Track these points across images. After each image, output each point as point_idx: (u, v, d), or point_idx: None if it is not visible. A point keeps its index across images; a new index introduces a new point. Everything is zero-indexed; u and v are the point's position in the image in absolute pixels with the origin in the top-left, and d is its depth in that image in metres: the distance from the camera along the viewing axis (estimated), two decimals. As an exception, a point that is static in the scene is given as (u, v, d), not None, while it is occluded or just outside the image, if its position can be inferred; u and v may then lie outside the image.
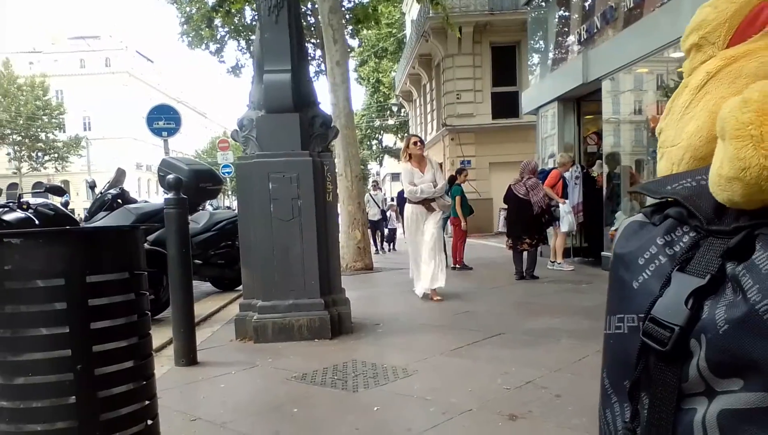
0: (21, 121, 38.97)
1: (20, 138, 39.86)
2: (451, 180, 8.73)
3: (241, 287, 5.97)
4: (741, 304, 0.46)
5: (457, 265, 8.43)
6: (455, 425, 2.42)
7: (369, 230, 12.60)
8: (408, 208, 5.99)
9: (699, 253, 0.52)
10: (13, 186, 36.98)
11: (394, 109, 33.71)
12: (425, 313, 5.09)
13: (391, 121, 35.29)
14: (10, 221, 4.36)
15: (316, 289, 4.19)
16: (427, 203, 5.86)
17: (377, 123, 35.37)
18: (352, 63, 29.87)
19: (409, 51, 22.65)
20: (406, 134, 32.84)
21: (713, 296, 0.49)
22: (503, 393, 2.81)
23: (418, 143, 5.99)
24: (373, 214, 12.68)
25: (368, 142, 35.93)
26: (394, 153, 37.00)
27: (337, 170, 9.00)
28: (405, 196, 6.09)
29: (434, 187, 5.83)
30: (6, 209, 4.45)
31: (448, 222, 8.58)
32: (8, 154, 40.85)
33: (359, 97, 52.50)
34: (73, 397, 1.70)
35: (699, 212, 0.53)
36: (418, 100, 26.09)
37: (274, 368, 3.45)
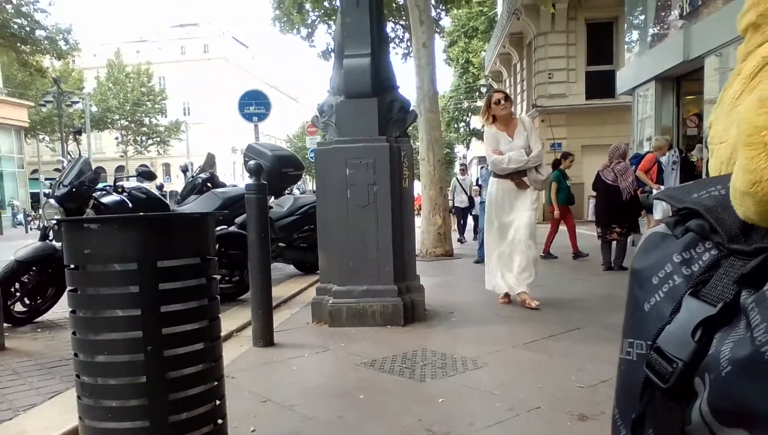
0: (128, 107, 41.65)
1: (127, 123, 42.63)
2: (555, 164, 8.45)
3: (320, 271, 6.12)
4: (747, 342, 0.38)
5: (543, 254, 8.18)
6: (520, 423, 2.35)
7: (455, 216, 12.36)
8: (492, 183, 4.80)
9: (717, 276, 0.44)
10: (120, 169, 39.76)
11: (483, 90, 33.02)
12: (502, 304, 4.97)
13: (479, 103, 34.59)
14: (107, 204, 4.68)
15: (390, 276, 4.21)
16: (517, 178, 4.67)
17: (465, 105, 34.80)
18: (440, 43, 29.51)
19: (499, 30, 22.05)
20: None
21: (726, 328, 0.42)
22: (575, 391, 2.70)
23: (502, 101, 4.71)
24: (461, 200, 12.04)
25: (455, 125, 35.45)
26: (482, 136, 36.26)
27: (419, 155, 9.00)
28: (489, 168, 4.96)
29: (527, 155, 4.64)
30: (104, 193, 4.78)
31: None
32: (116, 138, 43.81)
33: (447, 78, 51.86)
34: (144, 376, 1.79)
35: (721, 227, 0.45)
36: (507, 81, 25.39)
37: (346, 353, 3.51)
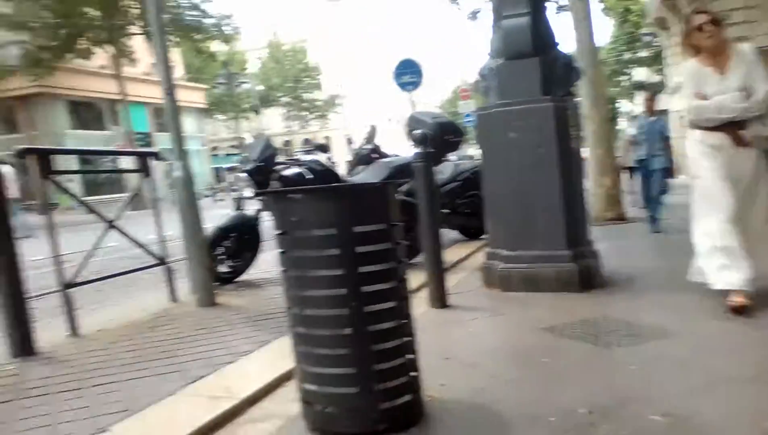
0: (288, 84, 44.27)
1: (289, 99, 45.38)
2: None
3: (486, 236, 6.17)
4: None
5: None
6: (719, 395, 2.25)
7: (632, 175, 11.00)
8: (692, 139, 3.55)
9: None
10: (287, 143, 42.65)
11: (646, 39, 30.20)
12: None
13: (642, 54, 31.78)
14: (289, 176, 5.13)
15: (561, 240, 4.12)
16: (732, 130, 3.38)
17: (626, 56, 32.19)
18: (596, -6, 27.43)
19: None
20: (660, 67, 29.05)
21: None
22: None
23: (709, 25, 3.38)
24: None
25: (617, 79, 33.01)
26: (647, 88, 33.38)
27: (583, 113, 8.55)
28: (687, 117, 3.56)
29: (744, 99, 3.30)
30: (285, 166, 5.26)
31: None
32: (281, 114, 46.87)
33: (605, 30, 48.20)
34: (349, 329, 2.00)
35: None
36: (673, 28, 22.95)
37: (522, 317, 3.55)
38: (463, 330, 3.38)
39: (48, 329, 3.68)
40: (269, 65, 45.60)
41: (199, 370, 2.84)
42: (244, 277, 5.20)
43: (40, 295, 4.50)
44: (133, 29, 23.88)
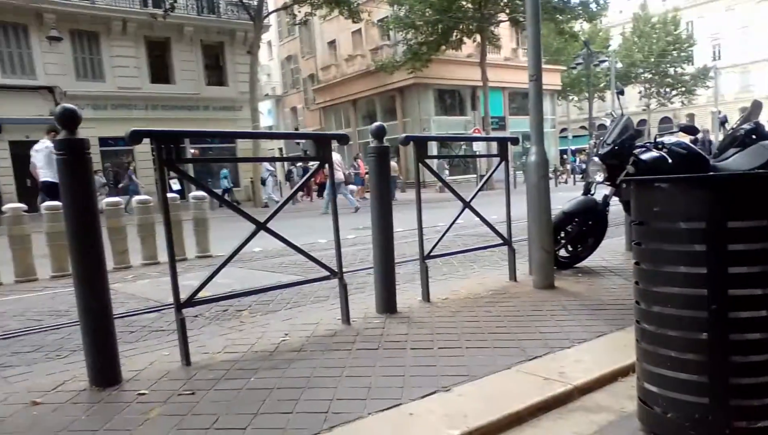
0: (652, 59, 40.86)
1: (650, 76, 41.94)
2: None
3: None
4: None
5: None
6: None
7: None
8: None
9: None
10: (642, 123, 39.62)
11: None
12: None
13: None
14: (646, 160, 4.76)
15: None
16: None
17: None
18: None
19: None
20: None
21: None
22: None
23: None
24: None
25: None
26: None
27: None
28: None
29: None
30: (644, 150, 4.88)
31: None
32: (639, 92, 43.66)
33: None
34: (705, 334, 1.82)
35: None
36: None
37: None
38: None
39: (404, 293, 4.25)
40: (632, 40, 42.81)
41: (534, 349, 2.92)
42: (583, 263, 5.10)
43: (401, 263, 5.17)
44: (501, 17, 25.29)
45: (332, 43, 36.13)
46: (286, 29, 39.52)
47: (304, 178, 5.00)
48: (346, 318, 3.56)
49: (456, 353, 2.92)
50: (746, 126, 5.69)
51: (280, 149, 39.65)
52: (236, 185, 23.02)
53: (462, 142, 27.96)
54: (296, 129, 38.93)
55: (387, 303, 3.79)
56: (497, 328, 3.32)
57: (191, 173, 7.27)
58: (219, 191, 17.34)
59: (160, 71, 23.20)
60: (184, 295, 2.91)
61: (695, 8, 52.11)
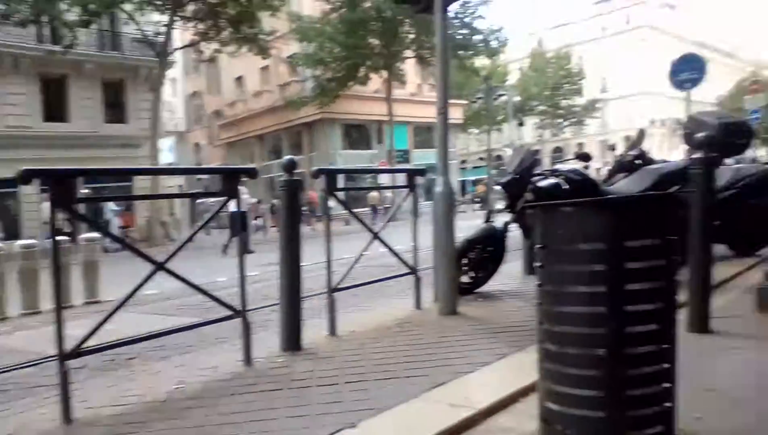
0: (547, 93, 43.52)
1: (545, 108, 44.63)
2: None
3: (761, 252, 5.24)
4: None
5: None
6: None
7: None
8: None
9: None
10: (536, 152, 41.93)
11: None
12: None
13: None
14: (544, 187, 4.96)
15: None
16: None
17: None
18: None
19: None
20: None
21: None
22: None
23: None
24: None
25: None
26: None
27: None
28: None
29: None
30: (541, 177, 5.10)
31: None
32: (535, 123, 46.27)
33: None
34: (604, 349, 1.86)
35: None
36: None
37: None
38: (727, 360, 2.94)
39: (311, 328, 4.13)
40: (529, 74, 45.47)
41: (441, 376, 2.91)
42: (484, 288, 5.21)
43: (306, 297, 5.07)
44: (407, 53, 26.06)
45: (240, 79, 35.75)
46: (192, 65, 38.78)
47: (210, 216, 4.70)
48: (248, 359, 3.38)
49: (363, 386, 2.86)
50: (632, 152, 6.11)
51: (180, 186, 38.37)
52: (128, 226, 21.63)
53: (369, 176, 28.35)
54: (198, 165, 37.90)
55: (292, 340, 3.66)
56: (404, 358, 3.29)
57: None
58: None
59: (56, 109, 21.87)
60: (68, 346, 2.66)
61: (586, 44, 56.37)
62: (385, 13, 22.51)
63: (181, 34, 25.56)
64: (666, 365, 1.92)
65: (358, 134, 31.65)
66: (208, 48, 22.52)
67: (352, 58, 23.88)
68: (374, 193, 23.91)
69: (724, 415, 2.28)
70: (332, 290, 4.00)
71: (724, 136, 5.17)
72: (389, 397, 2.65)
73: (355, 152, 30.72)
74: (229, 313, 3.37)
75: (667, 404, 1.92)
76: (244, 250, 3.60)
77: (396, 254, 4.59)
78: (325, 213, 4.18)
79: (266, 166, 30.50)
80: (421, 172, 5.04)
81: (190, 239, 3.85)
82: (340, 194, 4.44)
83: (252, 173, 3.63)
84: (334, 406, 2.62)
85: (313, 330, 4.06)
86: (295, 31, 24.43)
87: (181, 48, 24.68)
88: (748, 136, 5.72)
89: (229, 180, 3.42)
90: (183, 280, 3.17)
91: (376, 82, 27.44)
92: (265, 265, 8.70)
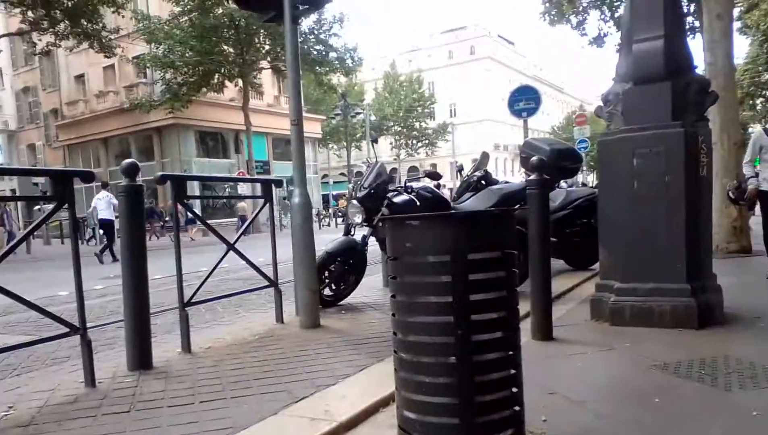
0: (401, 114, 45.29)
1: (400, 128, 46.41)
2: None
3: (594, 266, 5.90)
4: None
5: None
6: None
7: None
8: None
9: None
10: (393, 170, 43.41)
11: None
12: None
13: (784, 74, 29.19)
14: (399, 203, 5.19)
15: (681, 274, 3.86)
16: None
17: (765, 77, 29.71)
18: (734, 12, 25.80)
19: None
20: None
21: None
22: None
23: None
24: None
25: (750, 102, 30.53)
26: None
27: (711, 139, 7.97)
28: None
29: None
30: (396, 193, 5.32)
31: None
32: (390, 143, 47.95)
33: (741, 49, 44.93)
34: (453, 357, 1.95)
35: None
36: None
37: (633, 354, 3.33)
38: (568, 364, 3.22)
39: (162, 345, 3.93)
40: (383, 95, 46.96)
41: (301, 390, 2.90)
42: (346, 300, 5.30)
43: (158, 313, 4.80)
44: (263, 64, 25.63)
45: (80, 77, 32.92)
46: (23, 57, 34.99)
47: (35, 223, 4.27)
48: (90, 380, 3.11)
49: (220, 405, 2.76)
50: (477, 173, 6.59)
51: (13, 190, 34.38)
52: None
53: (227, 185, 27.48)
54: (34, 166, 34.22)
55: (140, 358, 3.43)
56: (264, 373, 3.23)
57: None
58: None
59: None
60: None
61: (435, 70, 59.57)
62: (238, 21, 22.05)
63: (6, 20, 23.05)
64: (512, 371, 2.05)
65: (214, 142, 30.56)
66: (41, 40, 20.52)
67: (206, 64, 23.02)
68: (243, 204, 23.20)
69: (566, 415, 2.48)
70: (185, 304, 3.82)
71: (556, 160, 5.76)
72: (247, 415, 2.59)
73: (211, 161, 29.64)
74: (65, 330, 3.07)
75: (516, 408, 2.05)
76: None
77: (254, 266, 4.51)
78: (174, 222, 4.00)
79: (112, 172, 28.31)
80: (277, 182, 5.00)
81: (11, 251, 3.48)
82: (195, 203, 4.27)
83: (87, 177, 3.31)
84: (188, 427, 2.50)
85: (166, 347, 3.86)
86: (142, 31, 22.99)
87: (6, 35, 22.22)
88: (577, 161, 6.43)
89: (62, 183, 3.07)
90: (10, 294, 2.84)
91: (232, 90, 26.73)
92: (112, 277, 8.09)
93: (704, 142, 3.99)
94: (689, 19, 13.15)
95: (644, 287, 3.94)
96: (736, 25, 26.18)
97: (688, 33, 13.36)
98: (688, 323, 3.76)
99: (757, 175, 5.70)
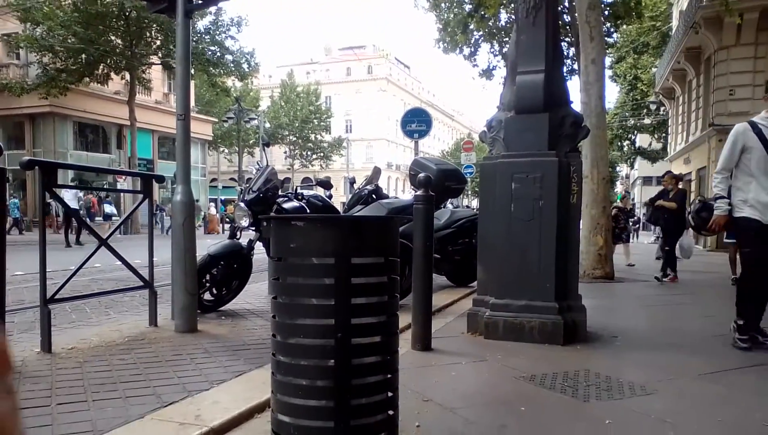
0: (297, 124, 44.95)
1: (295, 139, 46.03)
2: None
3: (474, 283, 6.18)
4: None
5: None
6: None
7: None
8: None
9: None
10: (287, 180, 42.94)
11: (652, 107, 30.98)
12: (672, 332, 4.65)
13: (647, 121, 32.50)
14: (288, 209, 5.14)
15: (551, 292, 4.13)
16: None
17: (631, 122, 32.89)
18: (607, 60, 28.35)
19: (674, 45, 20.67)
20: (664, 135, 29.79)
21: None
22: (760, 429, 2.47)
23: None
24: None
25: (619, 143, 33.64)
26: (647, 155, 33.95)
27: (583, 172, 8.70)
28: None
29: None
30: (285, 199, 5.27)
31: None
32: (285, 152, 47.42)
33: (611, 94, 49.46)
34: (332, 360, 1.94)
35: None
36: (680, 98, 23.60)
37: (503, 365, 3.51)
38: (443, 374, 3.34)
39: (19, 344, 3.61)
40: (279, 104, 46.40)
41: (171, 395, 2.78)
42: (228, 306, 5.14)
43: (17, 310, 4.42)
44: (154, 59, 24.39)
45: (-62, 50, 29.57)
46: None
47: None
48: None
49: (80, 408, 2.58)
50: (369, 187, 6.70)
51: None
52: None
53: (106, 178, 25.81)
54: None
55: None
56: (132, 377, 3.06)
57: None
58: None
59: None
60: None
61: (333, 85, 59.92)
62: (129, 12, 20.94)
63: None
64: (389, 375, 2.07)
65: (94, 136, 28.55)
66: None
67: (89, 52, 21.53)
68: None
69: (438, 421, 2.56)
70: (47, 301, 3.53)
71: (442, 179, 6.01)
72: (111, 419, 2.44)
73: (90, 154, 27.65)
74: None
75: (390, 412, 2.07)
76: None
77: (128, 265, 4.26)
78: (41, 212, 3.71)
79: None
80: (158, 178, 4.78)
81: None
82: (67, 193, 3.97)
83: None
84: (39, 431, 2.31)
85: (23, 346, 3.54)
86: (14, 7, 21.05)
87: None
88: (461, 183, 6.72)
89: None
90: None
91: (117, 83, 25.23)
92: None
93: (575, 172, 4.32)
94: (568, 62, 14.26)
95: (516, 304, 4.18)
96: (609, 72, 28.92)
97: (567, 75, 14.52)
98: (555, 339, 4.03)
99: (728, 196, 4.17)
